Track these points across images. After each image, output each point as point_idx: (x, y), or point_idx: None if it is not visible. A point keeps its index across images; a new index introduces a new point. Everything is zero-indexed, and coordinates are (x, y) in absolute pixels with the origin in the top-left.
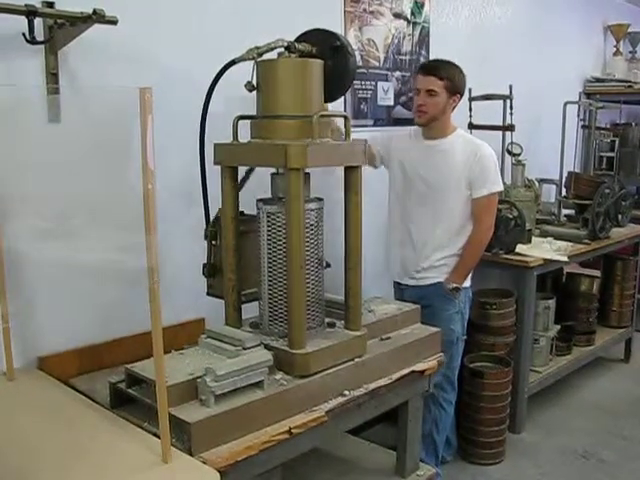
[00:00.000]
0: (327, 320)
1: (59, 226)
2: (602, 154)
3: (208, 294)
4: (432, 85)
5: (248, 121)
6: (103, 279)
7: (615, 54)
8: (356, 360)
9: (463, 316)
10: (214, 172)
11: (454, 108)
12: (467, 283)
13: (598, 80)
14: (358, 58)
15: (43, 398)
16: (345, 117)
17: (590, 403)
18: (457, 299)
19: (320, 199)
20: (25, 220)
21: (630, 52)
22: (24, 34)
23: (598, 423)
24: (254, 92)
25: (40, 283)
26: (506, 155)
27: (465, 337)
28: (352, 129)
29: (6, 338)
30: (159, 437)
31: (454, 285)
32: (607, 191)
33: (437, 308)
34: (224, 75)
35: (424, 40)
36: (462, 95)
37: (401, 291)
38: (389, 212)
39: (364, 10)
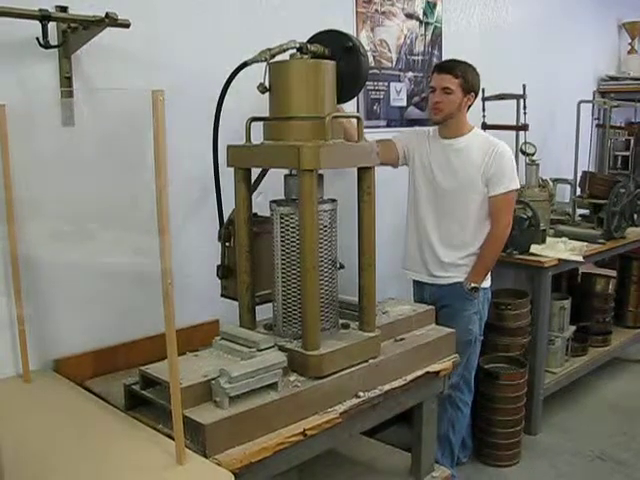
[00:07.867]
0: (341, 321)
1: (75, 228)
2: (617, 153)
3: (222, 296)
4: (447, 83)
5: (261, 123)
6: (118, 281)
7: (630, 52)
8: (370, 361)
9: (481, 317)
10: (228, 174)
11: (469, 107)
12: (487, 284)
13: (612, 78)
14: (370, 59)
15: (58, 400)
16: (358, 118)
17: (607, 404)
18: (476, 299)
19: (334, 200)
20: (41, 223)
21: None
22: (38, 39)
23: (615, 424)
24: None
25: (56, 285)
26: (520, 155)
27: (482, 337)
28: (365, 130)
29: (22, 340)
30: (174, 439)
31: (473, 285)
32: (622, 190)
33: (456, 308)
34: (236, 77)
35: (437, 40)
36: (477, 94)
37: (421, 289)
38: (408, 211)
39: (376, 11)
